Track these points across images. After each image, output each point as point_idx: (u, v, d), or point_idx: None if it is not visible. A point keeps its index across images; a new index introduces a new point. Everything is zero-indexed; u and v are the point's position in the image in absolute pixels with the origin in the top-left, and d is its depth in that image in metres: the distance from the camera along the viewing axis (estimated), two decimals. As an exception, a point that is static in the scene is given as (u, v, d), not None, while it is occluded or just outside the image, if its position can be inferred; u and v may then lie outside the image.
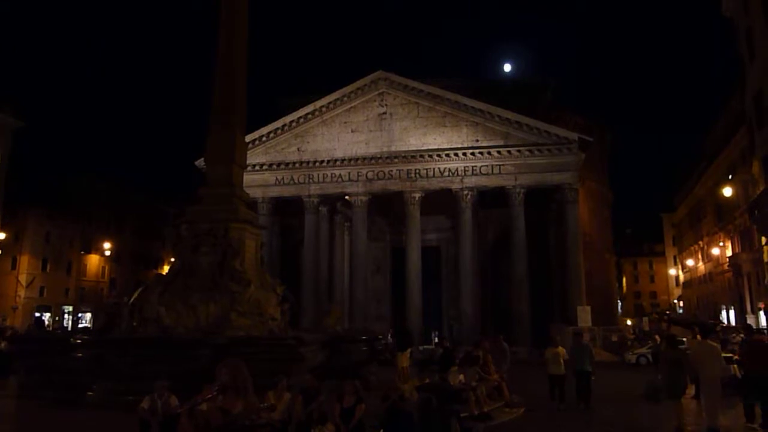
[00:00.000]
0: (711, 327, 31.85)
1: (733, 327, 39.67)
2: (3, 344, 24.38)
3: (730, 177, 48.94)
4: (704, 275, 67.82)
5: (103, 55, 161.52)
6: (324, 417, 10.37)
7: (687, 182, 74.83)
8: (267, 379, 11.15)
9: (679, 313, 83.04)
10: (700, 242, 68.38)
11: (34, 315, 57.61)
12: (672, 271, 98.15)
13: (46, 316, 59.80)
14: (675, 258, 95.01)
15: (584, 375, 16.02)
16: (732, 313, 53.72)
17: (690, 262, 76.11)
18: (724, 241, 55.22)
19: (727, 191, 43.88)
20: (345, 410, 10.48)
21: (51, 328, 49.29)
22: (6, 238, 53.25)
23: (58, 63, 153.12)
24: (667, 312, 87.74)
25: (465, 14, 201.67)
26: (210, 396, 10.56)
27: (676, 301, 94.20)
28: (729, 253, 53.02)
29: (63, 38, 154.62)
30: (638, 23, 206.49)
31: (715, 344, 14.11)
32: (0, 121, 51.12)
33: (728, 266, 52.86)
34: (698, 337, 17.12)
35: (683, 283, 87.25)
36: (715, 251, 57.94)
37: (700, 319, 54.64)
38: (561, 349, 16.72)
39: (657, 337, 31.07)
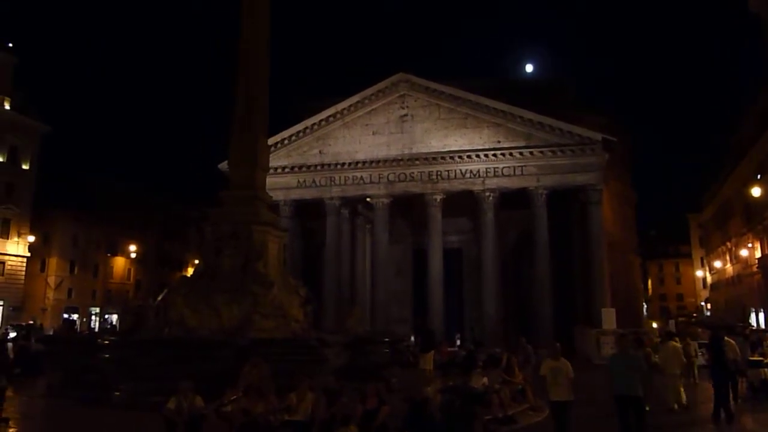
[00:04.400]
0: (739, 330, 31.54)
1: (763, 329, 38.81)
2: (34, 345, 24.94)
3: (758, 177, 47.93)
4: (732, 277, 66.47)
5: (129, 59, 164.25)
6: (347, 418, 10.40)
7: (714, 182, 73.42)
8: (290, 380, 11.25)
9: (707, 316, 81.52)
10: (728, 243, 67.05)
11: (62, 316, 58.73)
12: (699, 273, 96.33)
13: (75, 317, 60.94)
14: (702, 259, 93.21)
15: (632, 402, 10.60)
16: (762, 315, 52.57)
17: (717, 264, 74.66)
18: (752, 242, 54.08)
19: (756, 191, 42.94)
20: (367, 412, 10.50)
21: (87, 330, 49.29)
22: (35, 240, 54.39)
23: (85, 67, 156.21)
24: (694, 315, 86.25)
25: (486, 14, 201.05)
26: (234, 397, 10.74)
27: (703, 303, 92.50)
28: (758, 254, 51.91)
29: (89, 43, 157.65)
30: (662, 20, 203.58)
31: (677, 345, 17.14)
32: (28, 126, 52.47)
33: (757, 268, 51.80)
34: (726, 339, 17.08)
35: (710, 285, 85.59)
36: (744, 252, 56.79)
37: (727, 321, 53.58)
38: (565, 362, 11.60)
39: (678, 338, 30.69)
